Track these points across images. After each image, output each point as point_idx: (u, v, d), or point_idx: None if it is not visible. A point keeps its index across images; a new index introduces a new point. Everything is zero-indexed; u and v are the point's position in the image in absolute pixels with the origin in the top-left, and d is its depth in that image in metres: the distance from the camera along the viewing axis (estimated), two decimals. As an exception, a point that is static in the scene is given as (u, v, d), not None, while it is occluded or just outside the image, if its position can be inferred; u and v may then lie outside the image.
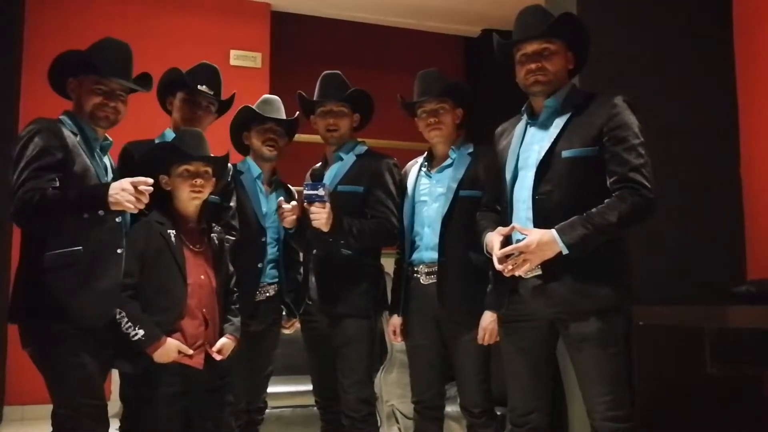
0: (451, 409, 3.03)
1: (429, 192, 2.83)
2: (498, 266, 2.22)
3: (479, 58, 6.29)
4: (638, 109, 2.27)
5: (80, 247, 2.22)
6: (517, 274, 2.20)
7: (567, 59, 2.36)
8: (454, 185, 2.75)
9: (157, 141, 2.71)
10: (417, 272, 2.78)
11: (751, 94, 3.55)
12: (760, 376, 3.14)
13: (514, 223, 2.27)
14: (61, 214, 2.20)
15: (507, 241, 2.28)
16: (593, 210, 2.15)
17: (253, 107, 2.94)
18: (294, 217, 2.77)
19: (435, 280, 2.72)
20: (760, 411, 3.15)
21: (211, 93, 2.77)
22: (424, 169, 2.89)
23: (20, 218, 2.20)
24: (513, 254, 2.19)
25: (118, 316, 2.28)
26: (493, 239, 2.27)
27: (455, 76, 6.00)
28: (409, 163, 3.02)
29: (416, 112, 2.87)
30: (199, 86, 2.73)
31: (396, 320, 2.86)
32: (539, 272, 2.22)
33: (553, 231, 2.15)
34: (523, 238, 2.19)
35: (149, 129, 2.79)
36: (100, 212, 2.22)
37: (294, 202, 2.77)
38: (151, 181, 2.23)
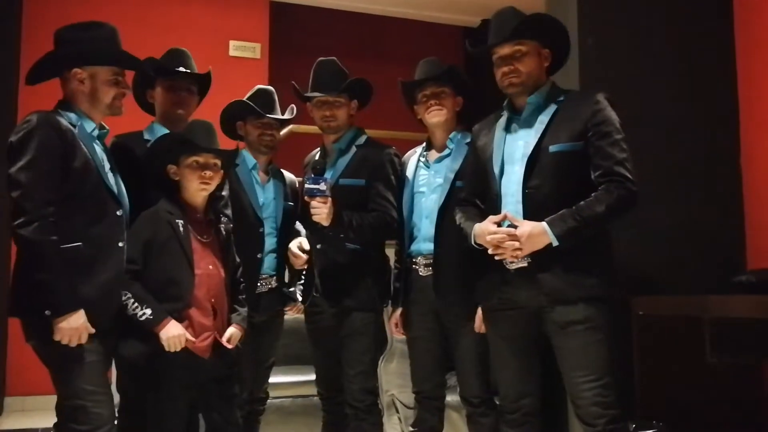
0: (452, 398, 3.04)
1: (427, 183, 2.81)
2: (490, 250, 2.27)
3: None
4: (617, 105, 2.37)
5: (80, 243, 2.21)
6: (507, 256, 2.26)
7: (541, 57, 2.43)
8: (451, 176, 2.73)
9: (145, 133, 2.71)
10: (416, 263, 2.77)
11: (752, 85, 3.54)
12: (759, 366, 3.15)
13: (506, 211, 2.32)
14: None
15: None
16: (582, 203, 2.23)
17: (248, 101, 2.90)
18: (305, 265, 2.87)
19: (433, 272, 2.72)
20: (760, 400, 3.15)
21: (190, 72, 2.75)
22: (422, 159, 2.88)
23: (16, 240, 2.15)
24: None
25: (124, 298, 2.28)
26: (487, 225, 2.31)
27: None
28: (408, 152, 2.99)
29: (416, 97, 2.83)
30: (177, 69, 2.71)
31: (396, 312, 2.87)
32: (525, 264, 2.28)
33: (544, 223, 2.22)
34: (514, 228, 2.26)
35: (144, 120, 2.79)
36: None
37: (303, 254, 2.86)
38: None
